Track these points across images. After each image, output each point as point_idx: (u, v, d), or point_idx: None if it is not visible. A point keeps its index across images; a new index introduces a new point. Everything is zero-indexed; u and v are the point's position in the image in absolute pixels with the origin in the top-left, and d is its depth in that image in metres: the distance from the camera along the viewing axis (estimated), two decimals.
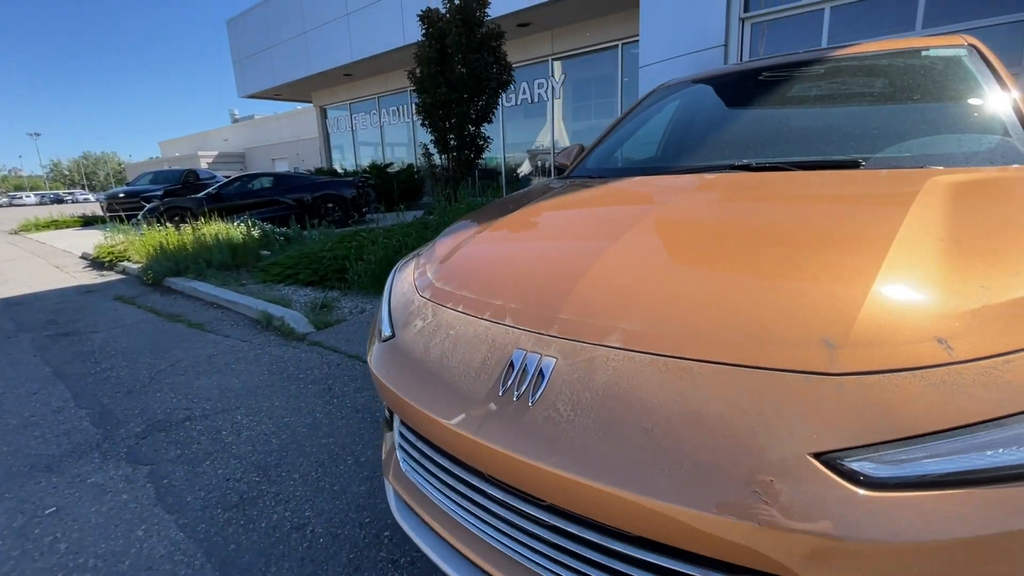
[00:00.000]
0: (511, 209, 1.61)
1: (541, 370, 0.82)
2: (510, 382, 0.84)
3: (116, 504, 1.88)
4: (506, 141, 14.20)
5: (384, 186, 12.62)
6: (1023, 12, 5.34)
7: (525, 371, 0.84)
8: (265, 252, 6.67)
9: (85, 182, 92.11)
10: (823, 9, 6.50)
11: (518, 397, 0.81)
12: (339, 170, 16.08)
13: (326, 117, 19.68)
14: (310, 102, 20.06)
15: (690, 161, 1.81)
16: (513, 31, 11.89)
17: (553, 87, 12.78)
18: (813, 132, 1.73)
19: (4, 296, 5.50)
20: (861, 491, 0.58)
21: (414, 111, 6.84)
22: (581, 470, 0.71)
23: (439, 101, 6.24)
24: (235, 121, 44.78)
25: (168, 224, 7.88)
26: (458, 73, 6.12)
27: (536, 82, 13.07)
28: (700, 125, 2.08)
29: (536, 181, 13.02)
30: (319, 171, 15.13)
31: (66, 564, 1.59)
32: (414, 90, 6.61)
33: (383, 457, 1.40)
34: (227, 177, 13.18)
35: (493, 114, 6.75)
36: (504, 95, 13.62)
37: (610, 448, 0.70)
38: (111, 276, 6.49)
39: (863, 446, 0.61)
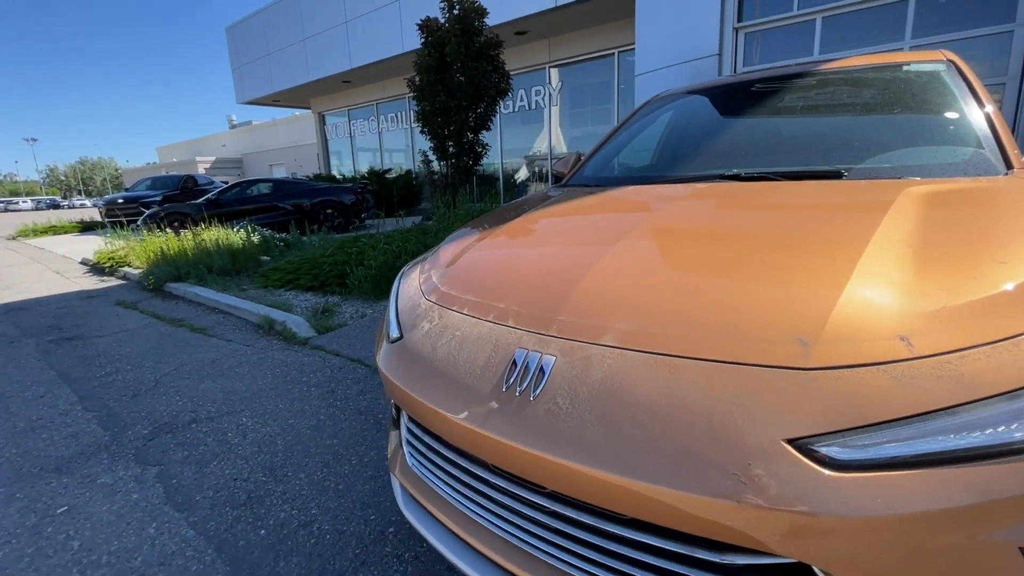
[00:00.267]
0: (511, 217, 1.68)
1: (542, 367, 0.89)
2: (513, 379, 0.91)
3: (126, 503, 1.93)
4: (504, 147, 14.32)
5: (383, 192, 12.70)
6: (1005, 24, 5.48)
7: (527, 368, 0.90)
8: (265, 258, 6.72)
9: (81, 187, 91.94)
10: (815, 20, 6.63)
11: (520, 393, 0.88)
12: (338, 176, 16.14)
13: (324, 123, 19.78)
14: (309, 108, 20.17)
15: (682, 171, 1.89)
16: (511, 39, 12.03)
17: (550, 94, 12.92)
18: (800, 143, 1.82)
19: (6, 301, 5.54)
20: (828, 472, 0.65)
21: (413, 118, 6.92)
22: (579, 458, 0.77)
23: (438, 109, 6.33)
24: (233, 127, 44.85)
25: (168, 230, 7.93)
26: (457, 81, 6.21)
27: (534, 89, 13.20)
28: (692, 136, 2.16)
29: (534, 188, 13.14)
30: (317, 177, 15.20)
31: (80, 560, 1.65)
32: (413, 97, 6.70)
33: (389, 455, 1.46)
34: (225, 183, 13.26)
35: (491, 121, 6.85)
36: (502, 102, 13.77)
37: (605, 438, 0.77)
38: (112, 281, 6.53)
39: (831, 432, 0.68)
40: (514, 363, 0.92)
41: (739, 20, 7.14)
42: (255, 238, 7.15)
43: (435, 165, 7.07)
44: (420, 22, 6.57)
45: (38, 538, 1.76)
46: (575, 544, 0.86)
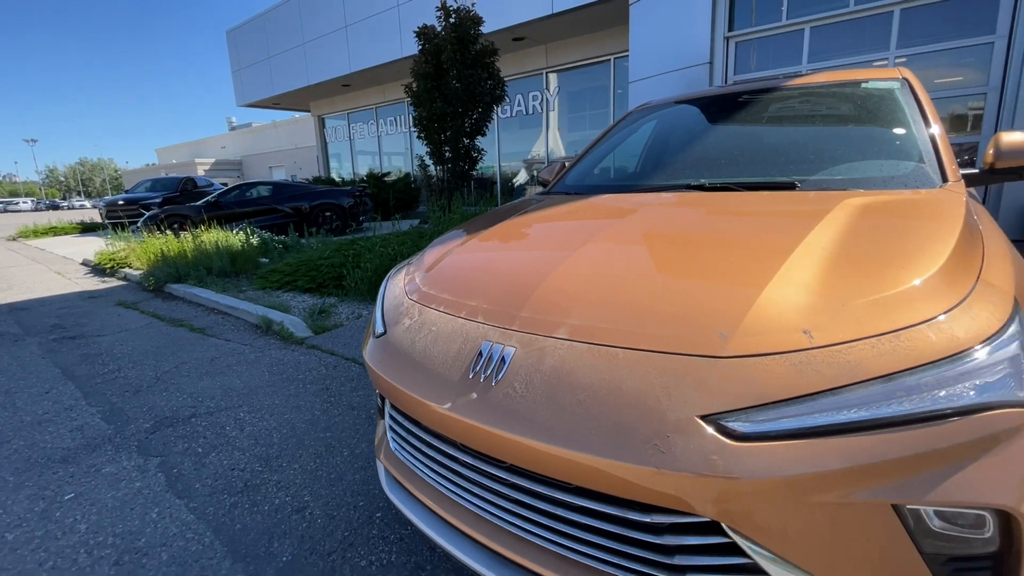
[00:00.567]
0: (492, 222, 1.81)
1: (503, 357, 1.01)
2: (478, 367, 1.03)
3: (130, 491, 2.05)
4: (501, 151, 14.48)
5: (381, 195, 12.84)
6: (986, 36, 5.64)
7: (491, 359, 1.03)
8: (264, 259, 6.84)
9: (81, 189, 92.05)
10: (803, 29, 6.79)
11: (484, 379, 1.00)
12: (337, 179, 16.27)
13: (324, 126, 19.94)
14: (308, 111, 20.33)
15: (654, 180, 2.02)
16: (508, 45, 12.21)
17: (547, 99, 13.08)
18: (764, 155, 1.94)
19: (8, 301, 5.65)
20: (731, 442, 0.77)
21: (411, 123, 7.06)
22: (530, 434, 0.90)
23: (435, 115, 6.47)
24: (232, 129, 45.01)
25: (168, 231, 8.05)
26: (453, 88, 6.35)
27: (531, 94, 13.37)
28: (668, 146, 2.29)
29: (530, 191, 13.26)
30: (317, 180, 15.33)
31: (87, 541, 1.76)
32: (410, 103, 6.84)
33: (376, 442, 1.58)
34: (224, 185, 13.38)
35: (487, 127, 6.99)
36: (499, 107, 13.91)
37: (553, 416, 0.89)
38: (113, 282, 6.65)
39: (737, 410, 0.80)
40: (480, 354, 1.05)
41: (730, 29, 7.30)
42: (254, 240, 7.27)
43: (432, 170, 7.21)
44: (417, 29, 6.72)
45: (47, 522, 1.87)
46: (531, 512, 0.99)
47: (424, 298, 1.32)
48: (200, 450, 2.33)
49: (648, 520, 0.84)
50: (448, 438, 1.08)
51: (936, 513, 0.79)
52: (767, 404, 0.80)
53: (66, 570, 1.63)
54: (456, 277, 1.36)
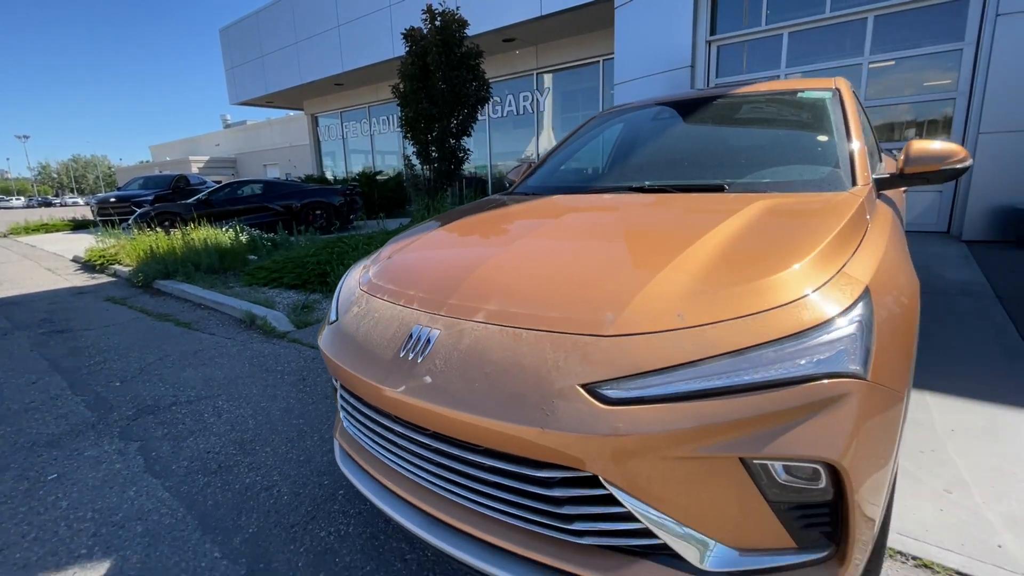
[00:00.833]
0: (448, 220, 1.95)
1: (429, 339, 1.15)
2: (408, 347, 1.17)
3: (110, 472, 2.17)
4: (493, 151, 14.61)
5: (372, 194, 12.95)
6: (955, 43, 5.81)
7: (419, 340, 1.16)
8: (252, 257, 6.95)
9: (74, 185, 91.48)
10: (782, 34, 6.96)
11: (411, 358, 1.14)
12: (330, 177, 16.36)
13: (317, 125, 20.02)
14: (302, 110, 20.39)
15: (603, 182, 2.17)
16: (499, 46, 12.34)
17: (538, 99, 13.22)
18: (704, 159, 2.09)
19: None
20: (604, 406, 0.92)
21: (399, 123, 7.19)
22: (446, 404, 1.03)
23: (421, 115, 6.60)
24: (227, 126, 44.93)
25: (158, 229, 8.14)
26: (439, 89, 6.48)
27: (522, 94, 13.50)
28: (620, 150, 2.44)
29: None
30: (309, 178, 15.40)
31: (68, 516, 1.89)
32: (398, 104, 6.97)
33: (335, 423, 1.72)
34: (217, 183, 13.45)
35: (472, 128, 7.13)
36: (491, 107, 14.00)
37: (464, 388, 1.03)
38: (102, 278, 6.74)
39: (612, 379, 0.94)
40: (411, 336, 1.19)
41: (712, 33, 7.46)
42: (243, 238, 7.38)
43: (418, 169, 7.34)
44: (404, 32, 6.84)
45: (31, 499, 2.00)
46: (452, 474, 1.13)
47: (372, 288, 1.46)
48: (179, 435, 2.45)
49: (541, 475, 0.98)
50: (384, 411, 1.22)
51: (782, 467, 0.93)
52: (637, 374, 0.94)
53: (47, 540, 1.76)
54: (401, 270, 1.50)
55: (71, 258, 8.40)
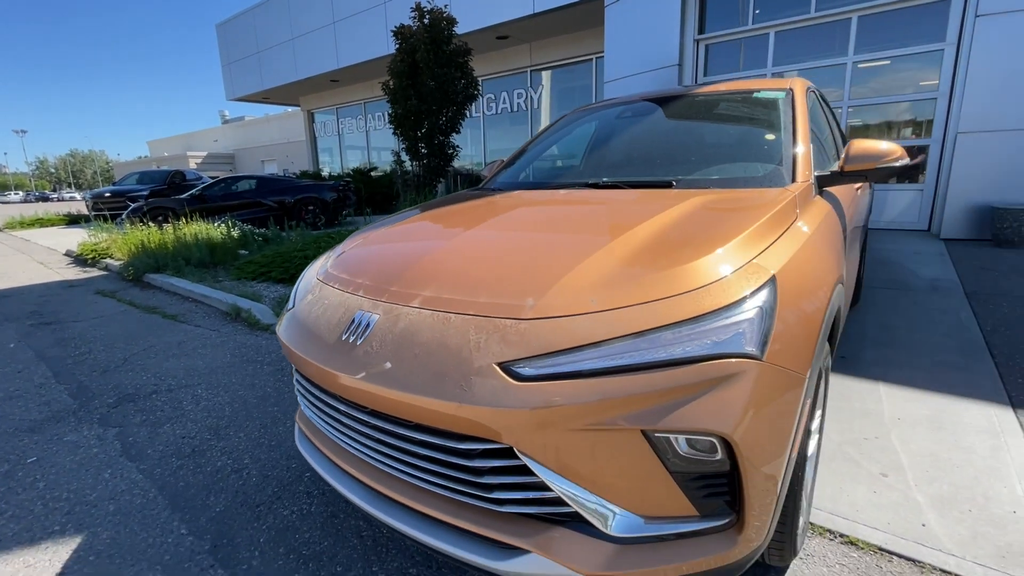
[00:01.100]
0: (413, 213, 2.03)
1: (368, 323, 1.23)
2: (349, 331, 1.25)
3: (88, 455, 2.25)
4: (488, 148, 14.67)
5: (366, 190, 13.00)
6: (936, 43, 5.89)
7: (360, 324, 1.24)
8: (243, 251, 7.02)
9: (72, 180, 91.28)
10: (768, 34, 7.02)
11: (352, 341, 1.22)
12: (325, 174, 16.40)
13: (313, 121, 20.04)
14: (298, 106, 20.42)
15: (564, 178, 2.24)
16: (493, 43, 12.39)
17: (532, 97, 13.27)
18: (658, 157, 2.17)
19: None
20: (515, 382, 0.99)
21: (387, 120, 7.25)
22: (379, 383, 1.11)
23: (410, 112, 6.66)
24: (225, 122, 44.93)
25: (151, 224, 8.20)
26: (428, 86, 6.54)
27: (516, 92, 13.55)
28: (583, 147, 2.52)
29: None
30: (304, 174, 15.45)
31: (44, 496, 1.97)
32: (387, 100, 7.03)
33: (299, 407, 1.80)
34: (214, 178, 13.50)
35: (461, 125, 7.19)
36: (485, 104, 14.04)
37: (395, 367, 1.11)
38: (94, 272, 6.81)
39: (525, 358, 1.02)
40: (353, 321, 1.27)
41: (700, 32, 7.52)
42: (234, 233, 7.44)
43: (408, 165, 7.40)
44: (394, 29, 6.90)
45: (9, 480, 2.08)
46: (388, 448, 1.21)
47: (326, 278, 1.54)
48: (156, 422, 2.53)
49: (463, 447, 1.06)
50: (329, 391, 1.30)
51: (685, 441, 1.01)
52: (548, 354, 1.02)
53: (23, 518, 1.84)
54: (354, 260, 1.58)
55: (64, 252, 8.46)
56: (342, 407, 1.27)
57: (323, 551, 1.63)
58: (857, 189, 2.52)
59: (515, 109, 13.71)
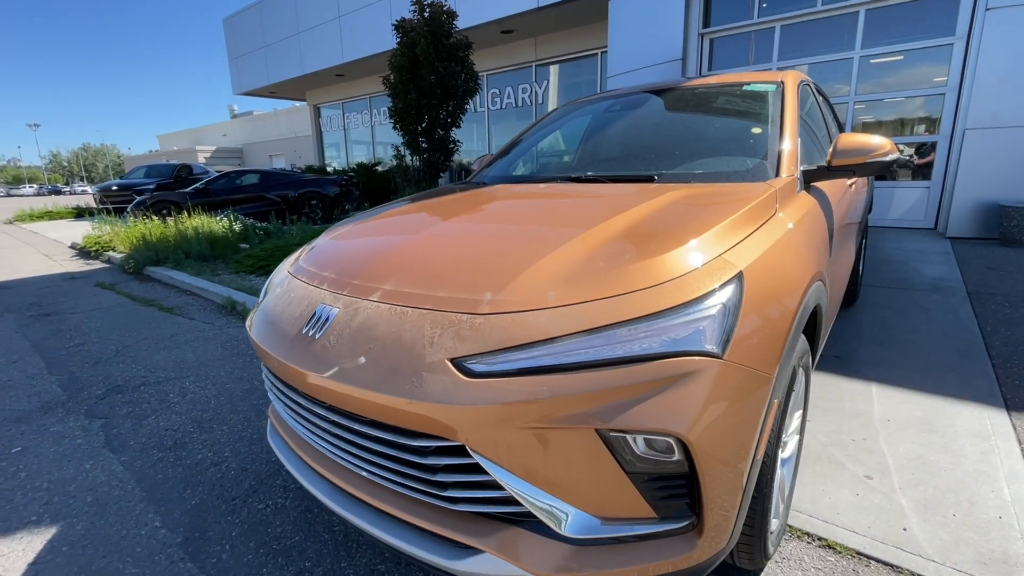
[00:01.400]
0: (392, 207, 2.00)
1: (328, 317, 1.21)
2: (310, 325, 1.23)
3: (71, 446, 2.26)
4: (492, 142, 14.60)
5: (370, 184, 13.00)
6: (946, 37, 5.76)
7: (320, 318, 1.22)
8: (244, 245, 7.04)
9: (84, 174, 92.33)
10: (774, 27, 6.90)
11: (311, 335, 1.20)
12: (330, 169, 16.44)
13: (319, 116, 20.06)
14: (305, 100, 20.44)
15: (547, 172, 2.21)
16: (498, 38, 12.31)
17: (536, 92, 13.18)
18: (643, 151, 2.13)
19: None
20: (466, 379, 0.97)
21: (388, 114, 7.23)
22: (334, 377, 1.09)
23: (409, 106, 6.63)
24: (234, 116, 45.09)
25: (155, 217, 8.25)
26: (428, 81, 6.51)
27: (520, 87, 13.46)
28: (570, 142, 2.48)
29: None
30: (309, 169, 15.49)
31: (24, 485, 1.98)
32: (388, 95, 7.01)
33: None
34: (220, 172, 13.56)
35: (461, 119, 7.15)
36: (490, 99, 13.97)
37: (350, 362, 1.09)
38: (96, 265, 6.87)
39: (478, 354, 0.99)
40: (314, 314, 1.25)
41: (705, 26, 7.42)
42: (236, 226, 7.47)
43: (408, 159, 7.39)
44: (395, 22, 6.86)
45: None
46: (346, 444, 1.19)
47: (296, 271, 1.52)
48: (142, 414, 2.54)
49: (415, 444, 1.04)
50: (291, 386, 1.28)
51: (643, 440, 0.99)
52: (501, 350, 0.99)
53: (2, 507, 1.85)
54: (324, 254, 1.56)
55: (69, 245, 8.54)
56: (303, 402, 1.26)
57: (293, 546, 1.62)
58: (851, 185, 2.46)
59: (520, 104, 13.63)
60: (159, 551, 1.62)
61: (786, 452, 1.54)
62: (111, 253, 7.02)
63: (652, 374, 0.95)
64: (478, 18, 10.97)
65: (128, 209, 9.54)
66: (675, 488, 1.03)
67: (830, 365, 2.69)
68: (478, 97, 14.16)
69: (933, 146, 6.12)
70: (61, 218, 13.84)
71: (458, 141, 7.37)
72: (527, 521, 1.06)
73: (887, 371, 2.61)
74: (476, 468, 1.02)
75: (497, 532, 1.06)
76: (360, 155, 18.40)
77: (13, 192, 57.02)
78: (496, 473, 1.00)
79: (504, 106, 13.92)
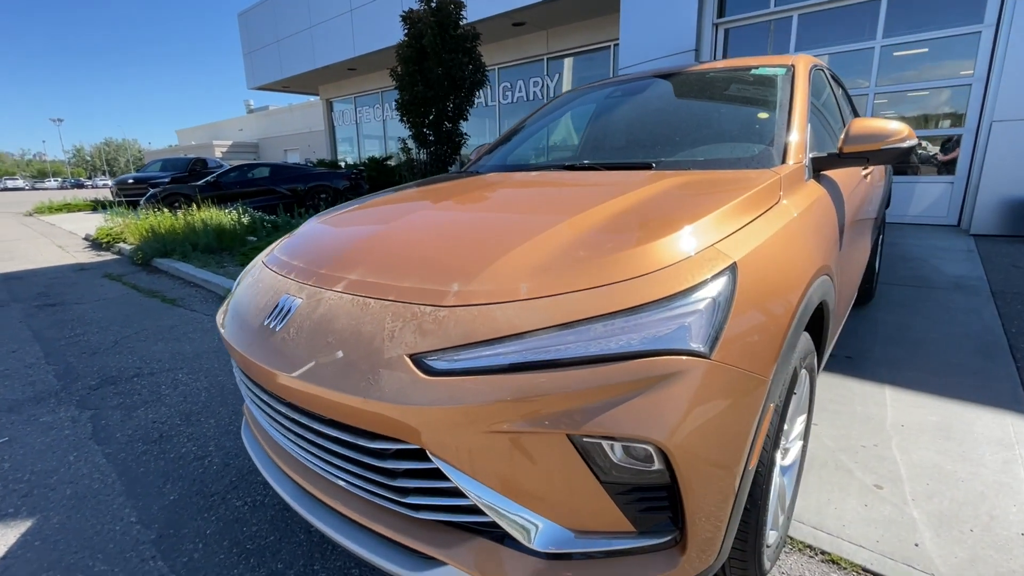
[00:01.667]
0: (379, 195, 1.93)
1: (290, 308, 1.14)
2: (272, 316, 1.16)
3: (59, 437, 2.24)
4: None
5: (381, 178, 12.98)
6: (974, 25, 5.50)
7: (282, 309, 1.15)
8: (251, 238, 7.05)
9: (106, 168, 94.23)
10: (791, 16, 6.68)
11: (272, 326, 1.13)
12: (341, 163, 16.47)
13: (332, 110, 20.11)
14: (318, 95, 20.51)
15: (544, 161, 2.11)
16: (509, 30, 12.17)
17: (548, 85, 13.02)
18: (642, 138, 2.02)
19: (6, 271, 5.96)
20: (425, 377, 0.88)
21: (394, 107, 7.16)
22: (290, 372, 1.02)
23: (416, 98, 6.56)
24: (250, 111, 45.56)
25: (166, 209, 8.32)
26: (435, 72, 6.42)
27: (532, 80, 13.32)
28: (569, 129, 2.37)
29: None
30: (320, 163, 15.54)
31: (7, 476, 1.95)
32: (395, 87, 6.95)
33: None
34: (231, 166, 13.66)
35: (468, 112, 7.05)
36: (501, 92, 13.84)
37: (307, 356, 1.01)
38: (107, 256, 6.93)
39: (439, 350, 0.91)
40: (277, 305, 1.18)
41: (719, 16, 7.21)
42: (244, 219, 7.49)
43: (415, 153, 7.32)
44: (403, 13, 6.79)
45: None
46: (306, 443, 1.11)
47: (270, 260, 1.45)
48: (132, 405, 2.51)
49: (374, 446, 0.96)
50: (253, 380, 1.21)
51: (621, 448, 0.89)
52: (465, 345, 0.90)
53: None
54: (298, 242, 1.49)
55: (83, 236, 8.65)
56: (265, 397, 1.19)
57: (267, 546, 1.56)
58: (866, 175, 2.33)
59: (531, 98, 13.48)
60: (131, 548, 1.57)
61: (787, 459, 1.44)
62: (122, 245, 7.08)
63: (630, 374, 0.86)
64: (489, 10, 10.84)
65: (141, 202, 9.64)
66: (656, 500, 0.93)
67: (841, 365, 2.56)
68: (489, 91, 14.06)
69: (957, 140, 5.87)
70: (79, 210, 14.08)
71: (466, 135, 7.28)
72: (495, 532, 0.98)
73: (902, 373, 2.47)
74: (437, 474, 0.94)
75: (462, 543, 0.98)
76: (372, 149, 18.41)
77: (38, 186, 58.45)
78: (458, 480, 0.91)
79: (516, 100, 13.79)
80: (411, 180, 8.49)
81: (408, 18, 6.69)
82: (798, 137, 1.67)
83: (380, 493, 1.01)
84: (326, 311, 1.07)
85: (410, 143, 7.29)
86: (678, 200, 1.27)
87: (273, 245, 1.67)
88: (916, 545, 1.45)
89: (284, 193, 10.18)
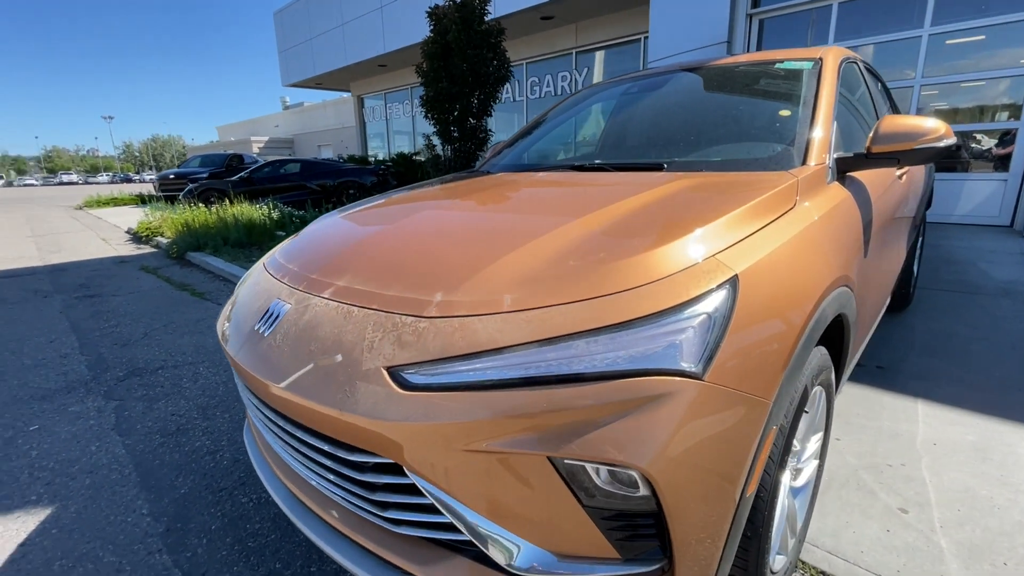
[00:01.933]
0: (385, 195, 1.91)
1: (279, 314, 1.13)
2: (262, 321, 1.15)
3: (84, 427, 2.33)
4: None
5: (409, 174, 13.10)
6: None
7: (272, 315, 1.15)
8: (280, 232, 7.23)
9: (153, 163, 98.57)
10: (831, 5, 6.36)
11: (261, 331, 1.13)
12: (371, 159, 16.71)
13: (363, 106, 20.41)
14: (349, 91, 20.85)
15: (554, 160, 2.05)
16: (536, 24, 12.05)
17: (576, 79, 12.85)
18: (655, 137, 1.94)
19: (53, 263, 6.28)
20: (401, 391, 0.86)
21: (419, 103, 7.19)
22: (272, 379, 1.01)
23: (440, 94, 6.56)
24: (286, 108, 46.72)
25: (201, 204, 8.62)
26: (459, 68, 6.41)
27: (560, 75, 13.16)
28: (583, 128, 2.31)
29: None
30: (351, 159, 15.81)
31: (33, 464, 2.04)
32: (420, 83, 6.97)
33: None
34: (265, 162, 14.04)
35: (492, 108, 7.01)
36: (528, 87, 13.74)
37: (289, 364, 1.00)
38: (145, 249, 7.23)
39: (417, 363, 0.88)
40: (267, 310, 1.17)
41: (754, 6, 6.93)
42: (274, 214, 7.68)
43: (439, 149, 7.34)
44: (428, 9, 6.79)
45: (8, 446, 2.17)
46: (292, 451, 1.11)
47: (269, 264, 1.46)
48: (154, 397, 2.59)
49: (353, 459, 0.94)
50: (245, 384, 1.21)
51: (607, 471, 0.85)
52: (443, 359, 0.87)
53: (8, 484, 1.91)
54: (299, 245, 1.48)
55: (126, 230, 9.04)
56: (256, 402, 1.19)
57: (268, 544, 1.58)
58: (900, 175, 2.18)
59: (559, 92, 13.32)
60: (140, 540, 1.62)
61: (800, 480, 1.36)
62: (159, 238, 7.37)
63: (614, 395, 0.81)
64: (517, 4, 10.76)
65: (180, 196, 10.02)
66: (643, 527, 0.88)
67: (871, 377, 2.42)
68: (516, 86, 13.98)
69: (1013, 135, 5.48)
70: (125, 204, 14.74)
71: (490, 131, 7.24)
72: (477, 551, 0.95)
73: (938, 386, 2.31)
74: (415, 489, 0.92)
75: (443, 561, 0.95)
76: (402, 145, 18.59)
77: (90, 180, 61.68)
78: (435, 496, 0.88)
79: (543, 95, 13.66)
80: (435, 176, 8.55)
81: (433, 14, 6.69)
82: (821, 136, 1.57)
83: (360, 506, 1.00)
84: (311, 318, 1.06)
85: (435, 139, 7.30)
86: (683, 205, 1.21)
87: (278, 247, 1.67)
88: None
89: (314, 188, 10.40)
